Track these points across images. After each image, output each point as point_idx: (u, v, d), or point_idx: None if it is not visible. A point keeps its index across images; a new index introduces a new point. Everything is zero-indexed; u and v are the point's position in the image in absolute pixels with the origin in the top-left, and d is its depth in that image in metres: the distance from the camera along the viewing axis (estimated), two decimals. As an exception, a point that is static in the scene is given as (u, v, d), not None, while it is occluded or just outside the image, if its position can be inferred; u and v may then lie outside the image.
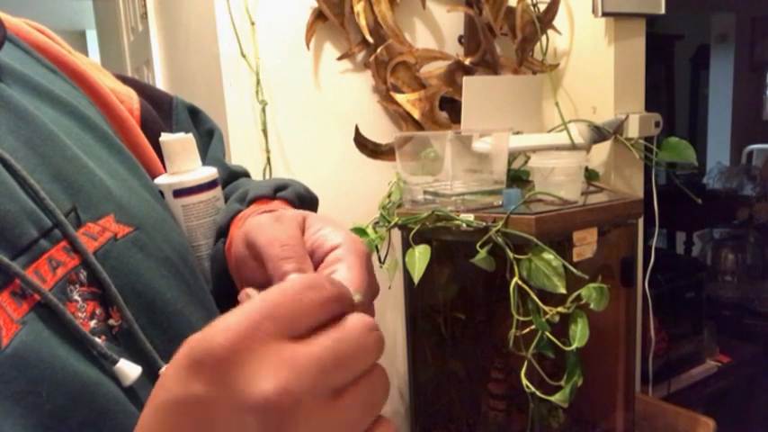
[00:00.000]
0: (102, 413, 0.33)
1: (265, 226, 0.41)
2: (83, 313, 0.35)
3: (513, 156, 1.32)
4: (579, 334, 1.03)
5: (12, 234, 0.33)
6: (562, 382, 1.05)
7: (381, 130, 1.38)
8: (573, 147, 1.32)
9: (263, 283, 0.38)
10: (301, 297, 0.28)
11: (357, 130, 1.33)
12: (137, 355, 0.37)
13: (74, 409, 0.32)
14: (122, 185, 0.43)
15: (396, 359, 1.46)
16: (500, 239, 1.03)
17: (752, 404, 2.11)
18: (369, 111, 1.37)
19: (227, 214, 0.51)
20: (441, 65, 1.39)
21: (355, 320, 0.28)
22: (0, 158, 0.35)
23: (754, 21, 3.78)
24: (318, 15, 1.27)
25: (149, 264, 0.41)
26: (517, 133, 1.31)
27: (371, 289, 0.38)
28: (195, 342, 0.26)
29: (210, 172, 0.53)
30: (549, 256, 1.00)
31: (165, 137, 0.52)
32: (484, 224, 1.05)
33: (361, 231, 1.21)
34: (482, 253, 1.03)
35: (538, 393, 1.04)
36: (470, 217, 1.07)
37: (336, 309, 0.28)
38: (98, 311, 0.36)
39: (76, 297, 0.35)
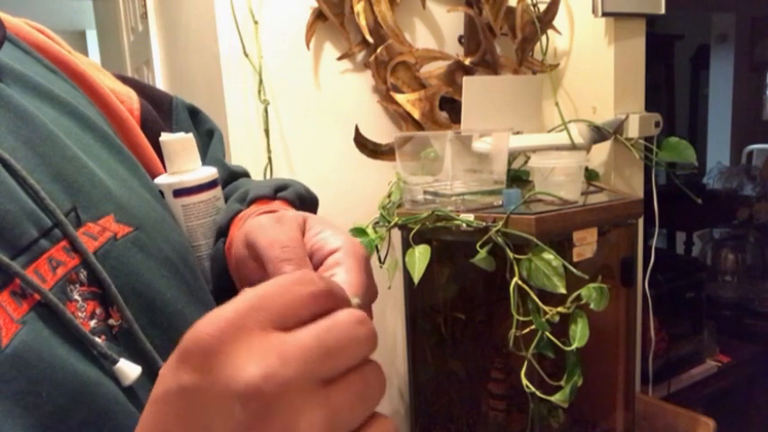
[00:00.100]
0: (101, 413, 0.33)
1: (266, 227, 0.41)
2: (83, 313, 0.35)
3: (513, 156, 1.32)
4: (579, 334, 1.03)
5: (12, 234, 0.33)
6: (562, 382, 1.05)
7: (381, 130, 1.38)
8: (573, 147, 1.32)
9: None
10: (290, 291, 0.28)
11: (357, 130, 1.33)
12: (137, 355, 0.37)
13: (74, 409, 0.32)
14: (122, 185, 0.43)
15: (396, 359, 1.46)
16: (500, 239, 1.03)
17: (752, 404, 2.11)
18: (369, 111, 1.37)
19: (227, 214, 0.51)
20: (441, 65, 1.39)
21: (345, 313, 0.28)
22: (0, 158, 0.35)
23: (754, 21, 3.78)
24: (318, 15, 1.27)
25: (149, 264, 0.41)
26: (517, 133, 1.31)
27: (370, 292, 0.38)
28: (186, 335, 0.26)
29: (210, 172, 0.53)
30: (549, 256, 1.00)
31: (164, 137, 0.52)
32: (484, 224, 1.05)
33: (361, 231, 1.21)
34: (482, 253, 1.03)
35: (538, 393, 1.04)
36: (470, 217, 1.07)
37: (327, 304, 0.28)
38: (98, 311, 0.36)
39: (76, 297, 0.35)
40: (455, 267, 1.31)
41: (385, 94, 1.36)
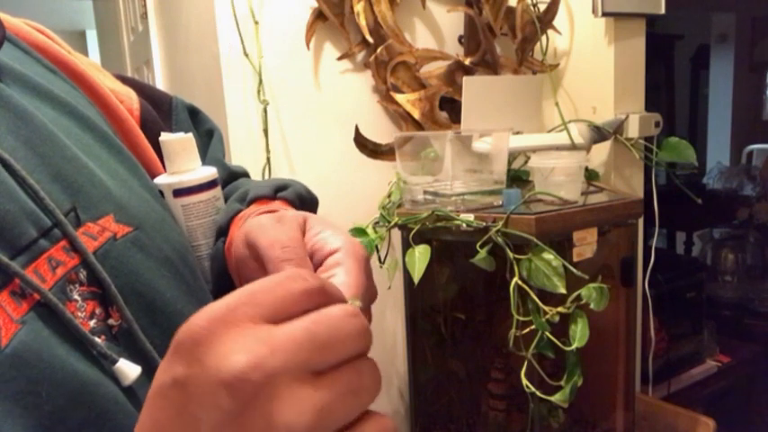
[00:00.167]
0: (101, 413, 0.33)
1: (267, 227, 0.41)
2: (82, 313, 0.35)
3: (513, 156, 1.32)
4: (579, 334, 1.03)
5: (11, 234, 0.33)
6: (562, 382, 1.05)
7: (381, 130, 1.38)
8: (573, 147, 1.32)
9: None
10: (282, 286, 0.28)
11: (357, 130, 1.33)
12: (136, 355, 0.37)
13: (73, 409, 0.32)
14: (122, 185, 0.43)
15: (396, 359, 1.46)
16: (500, 239, 1.03)
17: (752, 404, 2.11)
18: (369, 111, 1.37)
19: (227, 214, 0.51)
20: (441, 65, 1.39)
21: (336, 307, 0.28)
22: (0, 158, 0.35)
23: (754, 21, 3.78)
24: (318, 15, 1.26)
25: (149, 263, 0.41)
26: (517, 133, 1.31)
27: (369, 293, 0.38)
28: (179, 329, 0.27)
29: (210, 172, 0.53)
30: (549, 256, 1.00)
31: (164, 136, 0.52)
32: (484, 224, 1.05)
33: (361, 231, 1.21)
34: (482, 253, 1.03)
35: (538, 393, 1.04)
36: (470, 217, 1.07)
37: (320, 301, 0.28)
38: (98, 311, 0.36)
39: (76, 297, 0.35)
40: (455, 267, 1.31)
41: (385, 94, 1.36)
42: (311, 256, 0.40)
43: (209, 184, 0.53)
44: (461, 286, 1.34)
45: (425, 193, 1.15)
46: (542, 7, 1.41)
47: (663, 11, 1.40)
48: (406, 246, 1.16)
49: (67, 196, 0.38)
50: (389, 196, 1.33)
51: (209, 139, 0.64)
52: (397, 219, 1.18)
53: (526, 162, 1.37)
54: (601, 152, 1.44)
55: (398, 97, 1.33)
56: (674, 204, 1.58)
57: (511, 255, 1.02)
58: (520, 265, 1.02)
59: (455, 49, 1.43)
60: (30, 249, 0.34)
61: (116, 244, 0.39)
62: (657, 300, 1.57)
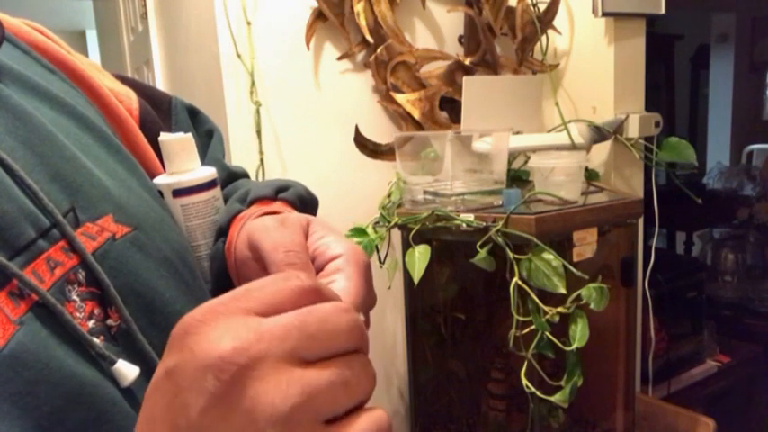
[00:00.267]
0: (99, 414, 0.33)
1: (270, 230, 0.41)
2: (81, 313, 0.35)
3: (513, 156, 1.32)
4: (579, 334, 1.03)
5: (9, 234, 0.33)
6: (562, 382, 1.05)
7: (381, 130, 1.37)
8: (573, 147, 1.32)
9: None
10: (276, 284, 0.29)
11: (357, 130, 1.33)
12: (135, 356, 0.37)
13: (71, 410, 0.32)
14: (121, 185, 0.43)
15: (396, 359, 1.46)
16: (500, 239, 1.03)
17: (752, 404, 2.11)
18: (369, 111, 1.37)
19: (227, 214, 0.51)
20: (441, 65, 1.39)
21: (329, 303, 0.29)
22: None
23: (754, 21, 3.78)
24: (318, 15, 1.26)
25: (148, 264, 0.40)
26: (517, 133, 1.31)
27: (368, 300, 0.38)
28: (175, 326, 0.27)
29: (210, 172, 0.53)
30: (549, 256, 1.00)
31: (164, 136, 0.52)
32: (484, 224, 1.05)
33: (361, 231, 1.20)
34: (482, 253, 1.03)
35: (538, 393, 1.04)
36: (470, 217, 1.07)
37: (314, 299, 0.29)
38: (96, 311, 0.36)
39: (75, 297, 0.35)
40: (455, 267, 1.31)
41: (385, 94, 1.36)
42: (312, 260, 0.40)
43: (209, 185, 0.53)
44: (461, 286, 1.34)
45: (425, 193, 1.15)
46: (542, 7, 1.41)
47: (663, 11, 1.40)
48: (406, 246, 1.16)
49: (66, 196, 0.38)
50: (389, 196, 1.33)
51: (208, 139, 0.64)
52: (397, 219, 1.18)
53: (526, 162, 1.37)
54: (601, 152, 1.44)
55: (398, 97, 1.33)
56: (674, 204, 1.58)
57: (511, 255, 1.02)
58: (520, 265, 1.02)
59: (455, 49, 1.43)
60: (28, 250, 0.34)
61: (115, 244, 0.39)
62: (657, 300, 1.57)
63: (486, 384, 1.30)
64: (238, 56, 1.21)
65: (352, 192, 1.36)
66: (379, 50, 1.30)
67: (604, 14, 1.33)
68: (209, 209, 0.52)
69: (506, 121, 1.30)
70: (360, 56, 1.34)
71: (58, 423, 0.31)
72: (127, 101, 0.54)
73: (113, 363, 0.34)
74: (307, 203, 0.55)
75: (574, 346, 1.03)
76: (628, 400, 1.29)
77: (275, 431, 0.25)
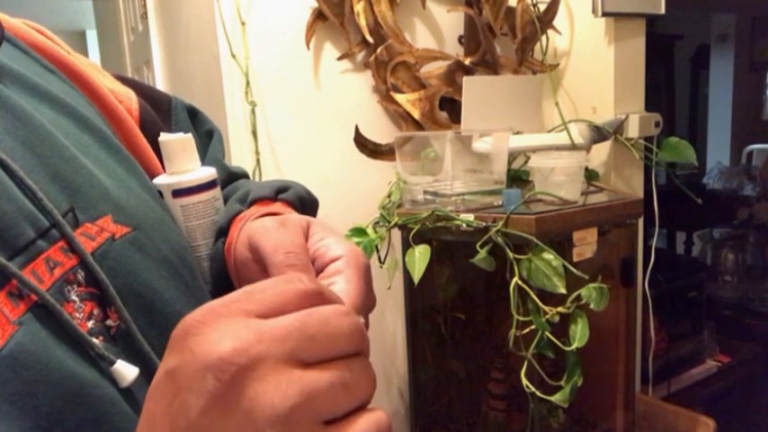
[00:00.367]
0: (98, 415, 0.33)
1: (270, 231, 0.41)
2: (80, 314, 0.35)
3: (513, 156, 1.32)
4: (579, 334, 1.03)
5: (9, 234, 0.33)
6: (562, 382, 1.05)
7: (381, 130, 1.37)
8: (573, 147, 1.32)
9: None
10: (277, 287, 0.29)
11: (357, 130, 1.33)
12: (135, 356, 0.37)
13: (70, 411, 0.32)
14: (121, 186, 0.43)
15: (396, 359, 1.46)
16: (500, 239, 1.03)
17: (752, 404, 2.11)
18: (369, 111, 1.37)
19: (227, 214, 0.51)
20: (441, 65, 1.39)
21: (329, 306, 0.29)
22: None
23: (754, 21, 3.78)
24: (318, 15, 1.26)
25: (148, 264, 0.40)
26: (517, 133, 1.31)
27: (368, 302, 0.39)
28: (175, 328, 0.28)
29: (209, 172, 0.53)
30: (549, 256, 1.00)
31: (164, 137, 0.52)
32: (484, 224, 1.05)
33: (361, 231, 1.20)
34: (482, 253, 1.03)
35: (538, 393, 1.04)
36: (470, 217, 1.07)
37: (315, 303, 0.29)
38: (96, 312, 0.36)
39: (74, 297, 0.35)
40: (455, 267, 1.31)
41: (385, 94, 1.36)
42: (312, 262, 0.40)
43: (209, 185, 0.53)
44: (461, 286, 1.34)
45: (425, 193, 1.15)
46: (542, 7, 1.41)
47: (663, 11, 1.40)
48: (406, 246, 1.16)
49: (66, 197, 0.38)
50: (389, 196, 1.33)
51: (208, 139, 0.64)
52: (397, 219, 1.18)
53: (526, 162, 1.37)
54: (601, 152, 1.44)
55: (398, 97, 1.33)
56: (674, 204, 1.58)
57: (511, 255, 1.02)
58: (520, 265, 1.02)
59: (455, 49, 1.43)
60: (27, 250, 0.34)
61: (114, 244, 0.39)
62: (657, 300, 1.57)
63: (486, 384, 1.30)
64: (233, 56, 1.21)
65: (352, 192, 1.36)
66: (379, 50, 1.30)
67: (604, 14, 1.33)
68: (208, 209, 0.52)
69: (506, 121, 1.30)
70: (360, 56, 1.34)
71: (57, 423, 0.31)
72: (127, 101, 0.54)
73: (112, 363, 0.34)
74: (307, 204, 0.55)
75: (574, 346, 1.03)
76: (628, 400, 1.29)
77: (274, 431, 0.25)
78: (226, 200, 0.55)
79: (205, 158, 0.60)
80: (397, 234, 1.27)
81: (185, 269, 0.44)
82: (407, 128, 1.36)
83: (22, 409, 0.30)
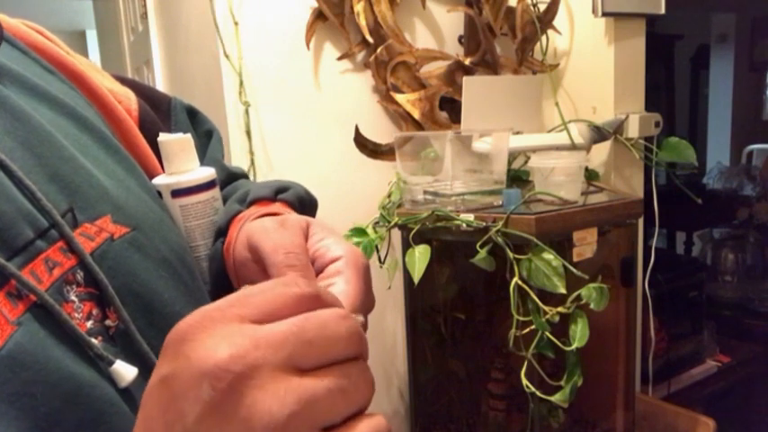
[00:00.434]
0: (97, 415, 0.33)
1: (270, 231, 0.41)
2: (79, 314, 0.35)
3: (513, 156, 1.32)
4: (579, 334, 1.03)
5: (7, 235, 0.33)
6: (562, 382, 1.04)
7: (381, 130, 1.37)
8: (573, 147, 1.32)
9: None
10: (274, 290, 0.28)
11: (357, 130, 1.33)
12: (133, 356, 0.37)
13: (69, 411, 0.31)
14: (120, 186, 0.43)
15: (396, 359, 1.46)
16: (500, 239, 1.03)
17: (752, 404, 2.11)
18: (369, 111, 1.37)
19: (226, 214, 0.51)
20: (441, 65, 1.39)
21: (327, 310, 0.28)
22: None
23: (754, 21, 3.78)
24: (318, 15, 1.26)
25: (147, 264, 0.40)
26: (517, 133, 1.31)
27: (367, 303, 0.38)
28: (170, 332, 0.27)
29: (209, 172, 0.53)
30: (549, 256, 1.00)
31: (163, 137, 0.52)
32: (484, 224, 1.05)
33: (361, 231, 1.20)
34: (482, 253, 1.03)
35: (538, 393, 1.04)
36: (470, 217, 1.06)
37: (313, 306, 0.29)
38: (95, 312, 0.36)
39: (73, 298, 0.35)
40: (455, 267, 1.31)
41: (385, 94, 1.36)
42: (312, 262, 0.40)
43: (208, 185, 0.53)
44: (461, 286, 1.34)
45: (425, 193, 1.15)
46: (542, 7, 1.41)
47: (663, 11, 1.39)
48: (406, 246, 1.16)
49: (64, 197, 0.38)
50: (389, 196, 1.33)
51: (207, 139, 0.63)
52: (397, 219, 1.18)
53: (526, 162, 1.36)
54: (601, 152, 1.44)
55: (398, 97, 1.33)
56: (674, 204, 1.58)
57: (511, 255, 1.02)
58: (520, 265, 1.02)
59: (455, 49, 1.43)
60: (26, 250, 0.34)
61: (113, 245, 0.39)
62: (657, 300, 1.57)
63: (486, 384, 1.30)
64: (226, 56, 1.21)
65: (352, 192, 1.36)
66: (379, 50, 1.30)
67: (604, 14, 1.33)
68: (208, 209, 0.52)
69: (506, 121, 1.30)
70: (360, 56, 1.34)
71: (56, 424, 0.31)
72: (126, 101, 0.54)
73: (111, 363, 0.34)
74: (306, 204, 0.55)
75: (574, 346, 1.03)
76: (628, 400, 1.29)
77: None
78: (225, 200, 0.55)
79: (204, 159, 0.60)
80: (397, 234, 1.27)
81: (184, 269, 0.44)
82: (407, 128, 1.36)
83: (20, 409, 0.30)
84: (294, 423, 0.25)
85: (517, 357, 1.07)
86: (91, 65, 0.54)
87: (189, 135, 0.53)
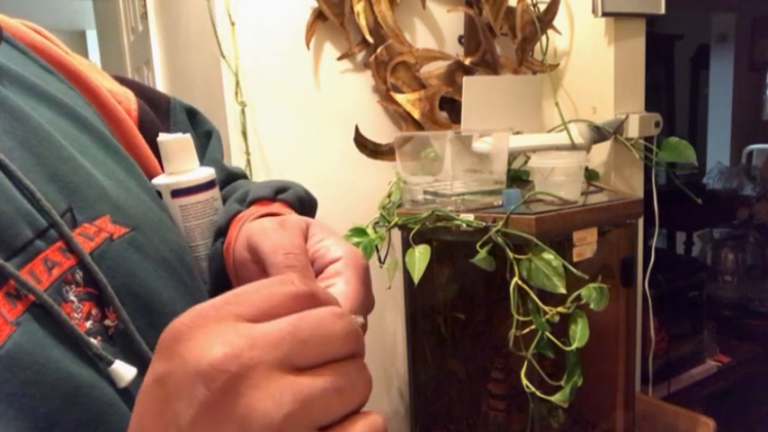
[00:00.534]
0: (96, 415, 0.33)
1: (269, 231, 0.41)
2: (78, 314, 0.35)
3: (513, 156, 1.32)
4: (579, 334, 1.03)
5: (7, 235, 0.33)
6: (562, 382, 1.04)
7: (381, 130, 1.37)
8: (573, 147, 1.32)
9: None
10: (269, 289, 0.28)
11: (357, 130, 1.33)
12: (132, 357, 0.36)
13: (68, 411, 0.31)
14: (119, 186, 0.43)
15: (396, 359, 1.46)
16: (500, 239, 1.03)
17: (752, 404, 2.11)
18: (369, 111, 1.37)
19: (226, 214, 0.51)
20: (441, 65, 1.39)
21: (323, 308, 0.28)
22: None
23: (754, 21, 3.78)
24: (318, 15, 1.26)
25: (146, 264, 0.40)
26: (517, 133, 1.31)
27: (366, 304, 0.38)
28: (164, 330, 0.27)
29: (208, 172, 0.53)
30: (549, 256, 1.00)
31: (162, 137, 0.52)
32: (484, 224, 1.04)
33: (361, 231, 1.20)
34: (482, 253, 1.03)
35: (538, 393, 1.04)
36: (470, 217, 1.06)
37: (309, 305, 0.28)
38: (94, 312, 0.36)
39: (72, 297, 0.35)
40: (455, 267, 1.31)
41: (385, 94, 1.36)
42: (312, 263, 0.40)
43: (208, 185, 0.53)
44: (461, 286, 1.34)
45: (425, 193, 1.15)
46: (542, 7, 1.41)
47: (663, 11, 1.39)
48: (406, 246, 1.16)
49: (64, 197, 0.38)
50: (389, 196, 1.33)
51: (207, 140, 0.63)
52: (397, 219, 1.18)
53: (526, 162, 1.36)
54: (601, 152, 1.44)
55: (398, 97, 1.33)
56: (674, 204, 1.58)
57: (511, 255, 1.02)
58: (520, 265, 1.02)
59: (455, 49, 1.43)
60: (25, 250, 0.34)
61: (113, 245, 0.39)
62: (657, 300, 1.57)
63: (486, 384, 1.30)
64: (223, 57, 1.20)
65: (352, 192, 1.36)
66: (379, 50, 1.30)
67: (604, 14, 1.33)
68: (207, 209, 0.52)
69: (506, 121, 1.29)
70: (360, 56, 1.34)
71: (55, 424, 0.31)
72: (125, 101, 0.54)
73: (110, 363, 0.34)
74: (306, 205, 0.55)
75: (574, 346, 1.03)
76: (628, 400, 1.29)
77: None
78: (224, 200, 0.55)
79: (204, 159, 0.60)
80: (397, 234, 1.27)
81: (184, 269, 0.44)
82: (407, 128, 1.36)
83: (19, 409, 0.30)
84: (290, 423, 0.25)
85: (517, 357, 1.07)
86: (90, 65, 0.54)
87: (188, 135, 0.53)
